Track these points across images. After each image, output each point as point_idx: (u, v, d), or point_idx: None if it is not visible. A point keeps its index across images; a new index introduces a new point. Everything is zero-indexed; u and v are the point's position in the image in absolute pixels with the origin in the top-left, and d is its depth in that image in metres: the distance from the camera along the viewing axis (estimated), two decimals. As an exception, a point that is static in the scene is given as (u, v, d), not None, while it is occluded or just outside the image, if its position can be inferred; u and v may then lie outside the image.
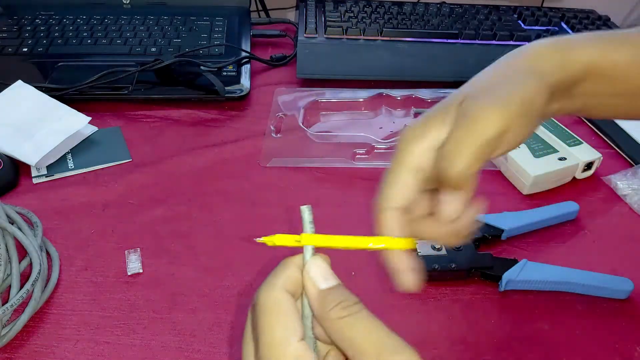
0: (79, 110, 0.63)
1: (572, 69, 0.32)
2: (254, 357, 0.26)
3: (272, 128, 0.65)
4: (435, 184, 0.31)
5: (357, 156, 0.62)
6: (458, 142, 0.29)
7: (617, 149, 0.65)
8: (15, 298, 0.41)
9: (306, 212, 0.28)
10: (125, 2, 0.87)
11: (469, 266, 0.48)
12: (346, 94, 0.72)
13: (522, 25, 0.83)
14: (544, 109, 0.31)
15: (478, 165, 0.29)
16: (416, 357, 0.23)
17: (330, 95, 0.71)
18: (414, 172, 0.31)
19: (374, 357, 0.23)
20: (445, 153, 0.29)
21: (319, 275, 0.26)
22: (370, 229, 0.53)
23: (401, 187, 0.31)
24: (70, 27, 0.79)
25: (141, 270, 0.48)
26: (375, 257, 0.51)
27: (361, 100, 0.71)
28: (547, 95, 0.31)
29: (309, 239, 0.27)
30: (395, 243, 0.30)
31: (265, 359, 0.24)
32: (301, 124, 0.65)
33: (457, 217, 0.31)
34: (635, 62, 0.33)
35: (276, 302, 0.25)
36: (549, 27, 0.82)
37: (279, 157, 0.61)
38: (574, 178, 0.60)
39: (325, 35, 0.77)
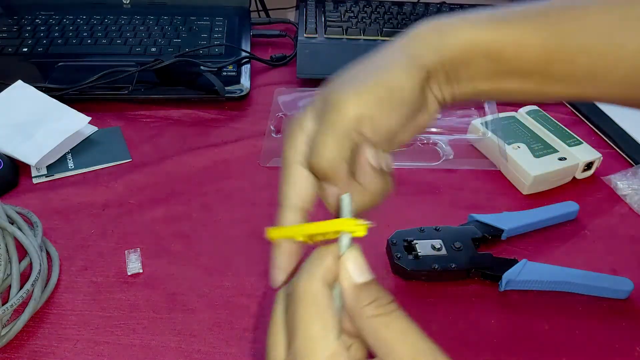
0: (79, 110, 0.63)
1: (448, 50, 0.30)
2: (284, 348, 0.25)
3: (272, 128, 0.65)
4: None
5: None
6: (320, 133, 0.28)
7: (617, 149, 0.65)
8: (15, 298, 0.41)
9: (346, 200, 0.27)
10: (125, 2, 0.86)
11: (469, 266, 0.48)
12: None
13: (522, 25, 0.83)
14: (422, 94, 0.30)
15: (345, 155, 0.28)
16: None
17: None
18: (303, 165, 0.30)
19: None
20: (312, 145, 0.29)
21: (356, 268, 0.25)
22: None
23: (296, 183, 0.31)
24: (70, 27, 0.79)
25: (141, 270, 0.48)
26: (377, 256, 0.51)
27: None
28: (420, 79, 0.29)
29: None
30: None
31: (300, 351, 0.23)
32: None
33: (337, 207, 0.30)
34: (522, 40, 0.30)
35: (316, 294, 0.24)
36: (549, 27, 0.82)
37: (279, 157, 0.61)
38: (574, 178, 0.60)
39: (325, 35, 0.77)
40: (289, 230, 0.31)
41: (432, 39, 0.31)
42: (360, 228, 0.26)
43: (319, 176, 0.29)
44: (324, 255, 0.25)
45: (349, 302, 0.24)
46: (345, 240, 0.26)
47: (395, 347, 0.23)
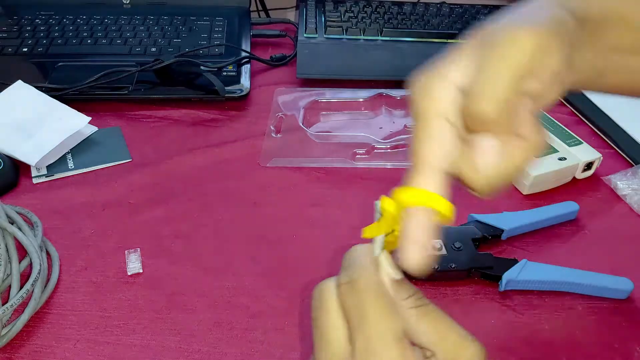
0: (79, 110, 0.63)
1: (591, 7, 0.29)
2: (344, 334, 0.25)
3: (272, 128, 0.65)
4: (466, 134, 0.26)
5: (357, 156, 0.62)
6: (489, 72, 0.24)
7: (617, 149, 0.65)
8: (15, 298, 0.41)
9: (379, 205, 0.27)
10: (125, 2, 0.86)
11: (469, 266, 0.48)
12: (346, 94, 0.72)
13: (522, 25, 0.83)
14: (575, 39, 0.27)
15: (516, 97, 0.24)
16: (483, 350, 0.25)
17: (330, 95, 0.71)
18: (446, 119, 0.26)
19: (453, 343, 0.25)
20: (476, 87, 0.25)
21: (392, 267, 0.27)
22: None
23: (438, 140, 0.26)
24: (70, 27, 0.79)
25: (141, 270, 0.48)
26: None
27: (361, 100, 0.71)
28: (573, 23, 0.27)
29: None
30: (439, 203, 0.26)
31: (375, 338, 0.24)
32: (301, 124, 0.65)
33: (497, 166, 0.26)
34: None
35: (381, 285, 0.26)
36: (549, 27, 0.82)
37: (279, 157, 0.61)
38: (574, 178, 0.60)
39: (325, 35, 0.77)
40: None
41: None
42: (448, 208, 0.27)
43: (478, 124, 0.25)
44: (368, 252, 0.27)
45: (391, 295, 0.26)
46: (378, 244, 0.27)
47: (439, 333, 0.25)
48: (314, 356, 0.26)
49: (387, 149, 0.63)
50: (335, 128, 0.67)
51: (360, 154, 0.62)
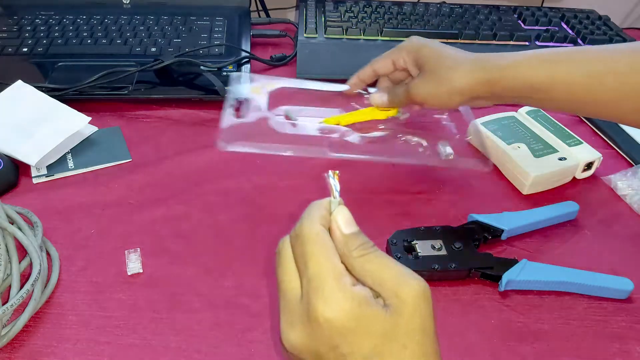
0: (79, 110, 0.63)
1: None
2: (297, 278, 0.29)
3: (231, 111, 0.56)
4: None
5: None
6: None
7: (617, 149, 0.65)
8: (15, 298, 0.41)
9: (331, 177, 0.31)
10: (125, 2, 0.86)
11: (469, 266, 0.48)
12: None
13: (522, 25, 0.83)
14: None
15: None
16: (425, 284, 0.29)
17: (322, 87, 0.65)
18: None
19: (394, 282, 0.28)
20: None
21: (344, 222, 0.30)
22: (370, 226, 0.52)
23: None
24: (70, 27, 0.79)
25: (141, 270, 0.48)
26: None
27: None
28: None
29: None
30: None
31: (314, 276, 0.28)
32: (267, 109, 0.58)
33: None
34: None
35: (319, 233, 0.29)
36: (549, 27, 0.82)
37: (241, 141, 0.52)
38: (574, 178, 0.60)
39: (325, 35, 0.77)
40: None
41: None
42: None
43: None
44: (318, 206, 0.31)
45: (340, 247, 0.30)
46: (335, 202, 0.31)
47: (381, 275, 0.28)
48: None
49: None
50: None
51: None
